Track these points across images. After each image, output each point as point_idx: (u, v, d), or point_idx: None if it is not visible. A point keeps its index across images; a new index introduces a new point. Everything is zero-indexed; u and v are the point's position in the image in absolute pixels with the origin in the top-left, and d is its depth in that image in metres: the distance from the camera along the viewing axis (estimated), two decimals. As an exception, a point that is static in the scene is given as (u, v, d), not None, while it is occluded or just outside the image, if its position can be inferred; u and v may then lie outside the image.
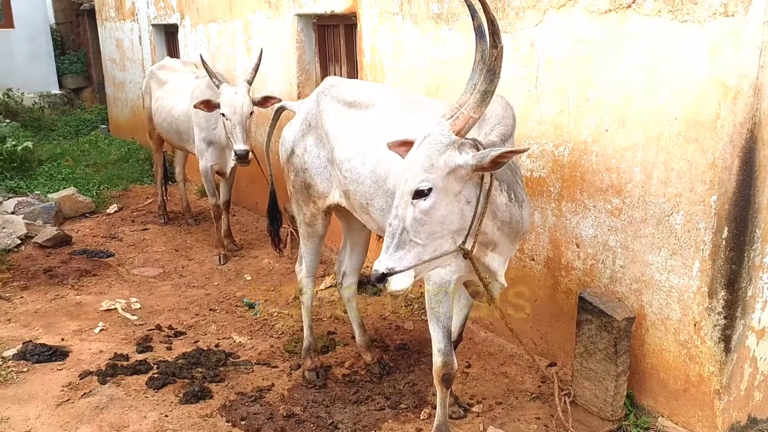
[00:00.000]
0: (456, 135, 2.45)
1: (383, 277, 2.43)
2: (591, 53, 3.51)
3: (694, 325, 3.25)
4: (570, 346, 3.84)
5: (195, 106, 5.67)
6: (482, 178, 2.55)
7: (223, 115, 5.55)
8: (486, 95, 2.43)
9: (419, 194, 2.43)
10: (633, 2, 3.24)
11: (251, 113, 5.61)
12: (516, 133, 3.44)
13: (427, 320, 3.24)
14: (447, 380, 3.26)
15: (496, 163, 2.45)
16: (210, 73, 5.68)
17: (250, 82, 5.65)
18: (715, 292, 3.14)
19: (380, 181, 3.29)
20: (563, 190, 3.82)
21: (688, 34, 3.03)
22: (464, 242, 2.59)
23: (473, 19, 2.48)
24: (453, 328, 3.41)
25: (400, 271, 2.44)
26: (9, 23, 13.95)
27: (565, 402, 3.57)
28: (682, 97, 3.11)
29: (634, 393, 3.61)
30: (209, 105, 5.59)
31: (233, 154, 5.57)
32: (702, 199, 3.10)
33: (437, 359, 3.23)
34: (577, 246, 3.81)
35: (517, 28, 3.88)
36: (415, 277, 2.50)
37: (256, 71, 5.71)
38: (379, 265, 2.44)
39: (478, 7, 2.42)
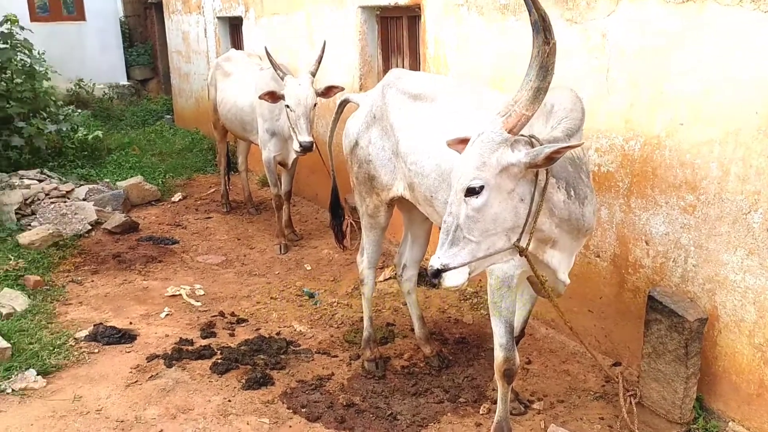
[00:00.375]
0: (508, 132, 2.41)
1: (438, 273, 2.44)
2: (666, 44, 3.39)
3: (771, 328, 3.12)
4: (636, 345, 3.75)
5: (260, 97, 5.74)
6: (537, 175, 2.50)
7: (288, 106, 5.60)
8: (539, 92, 2.37)
9: (471, 192, 2.41)
10: (714, -9, 3.11)
11: (315, 105, 5.65)
12: (585, 127, 3.37)
13: (487, 314, 3.21)
14: (509, 376, 3.23)
15: (550, 159, 2.39)
16: (274, 65, 5.75)
17: (313, 74, 5.69)
18: (795, 294, 3.01)
19: (444, 175, 3.26)
20: (633, 186, 3.72)
21: (773, 24, 2.90)
22: (519, 239, 2.55)
23: (530, 14, 2.42)
24: (516, 323, 3.36)
25: (454, 268, 2.44)
26: (81, 16, 14.44)
27: (630, 403, 3.49)
28: (764, 91, 2.97)
29: (704, 396, 3.49)
30: (274, 96, 5.66)
31: (297, 145, 5.62)
32: (783, 197, 2.97)
33: (499, 354, 3.19)
34: (647, 243, 3.70)
35: (588, 18, 3.79)
36: (470, 274, 2.48)
37: (319, 63, 5.75)
38: (435, 261, 2.44)
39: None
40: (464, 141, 2.63)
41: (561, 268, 2.91)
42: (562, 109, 2.78)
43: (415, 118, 3.53)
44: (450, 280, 2.45)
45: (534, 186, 2.51)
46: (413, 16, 5.65)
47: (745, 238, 3.16)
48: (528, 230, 2.56)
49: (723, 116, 3.16)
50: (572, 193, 2.75)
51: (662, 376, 3.41)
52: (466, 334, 4.60)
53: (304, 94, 5.56)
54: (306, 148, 5.57)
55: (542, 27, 2.33)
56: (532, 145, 2.48)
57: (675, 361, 3.33)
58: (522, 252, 2.59)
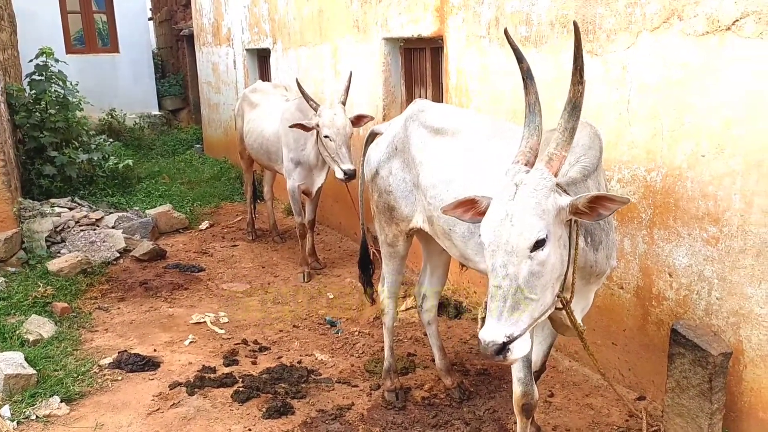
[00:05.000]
0: (554, 176, 2.34)
1: (504, 347, 2.21)
2: (687, 77, 3.39)
3: (799, 363, 3.05)
4: (660, 379, 3.68)
5: (290, 127, 5.84)
6: (572, 220, 2.44)
7: (327, 137, 5.67)
8: (573, 132, 2.35)
9: (538, 245, 2.25)
10: (733, 24, 3.11)
11: (352, 133, 5.74)
12: (606, 158, 3.36)
13: (509, 346, 3.18)
14: (527, 410, 3.19)
15: (592, 205, 2.31)
16: (306, 97, 5.84)
17: (343, 103, 5.78)
18: (823, 329, 2.94)
19: None
20: (655, 217, 3.69)
21: (794, 56, 2.89)
22: (562, 290, 2.45)
23: (521, 64, 2.42)
24: (535, 357, 3.33)
25: (520, 336, 2.24)
26: (115, 48, 14.90)
27: (654, 438, 3.42)
28: (787, 122, 2.95)
29: (730, 433, 3.42)
30: (304, 127, 5.75)
31: (341, 173, 5.66)
32: (808, 230, 2.92)
33: (517, 389, 3.16)
34: (670, 275, 3.66)
35: (609, 51, 3.80)
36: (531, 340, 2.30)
37: (347, 92, 5.84)
38: (494, 335, 2.21)
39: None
40: (464, 204, 2.55)
41: (576, 312, 2.87)
42: (580, 146, 2.75)
43: (436, 152, 3.55)
44: (519, 350, 2.25)
45: (569, 230, 2.44)
46: (436, 47, 5.72)
47: (770, 271, 3.11)
48: (568, 279, 2.48)
49: (745, 148, 3.14)
50: (589, 239, 2.72)
51: (686, 411, 3.34)
52: (488, 366, 4.56)
53: (341, 123, 5.64)
54: (350, 176, 5.62)
55: (578, 67, 2.31)
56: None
57: (699, 396, 3.26)
58: (566, 304, 2.50)
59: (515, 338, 2.22)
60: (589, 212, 2.33)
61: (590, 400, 4.08)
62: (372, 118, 5.86)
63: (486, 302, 2.38)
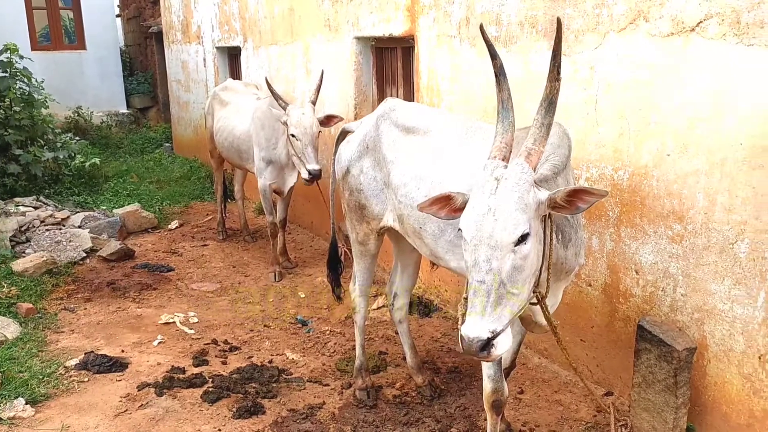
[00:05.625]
0: (533, 171, 2.36)
1: (488, 343, 2.20)
2: (653, 77, 3.45)
3: (759, 357, 3.13)
4: (627, 375, 3.74)
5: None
6: (547, 215, 2.46)
7: (293, 135, 5.64)
8: (549, 127, 2.38)
9: (522, 239, 2.26)
10: (697, 26, 3.18)
11: (319, 133, 5.71)
12: (574, 157, 3.40)
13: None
14: (497, 407, 3.22)
15: (570, 199, 2.34)
16: (275, 96, 5.81)
17: (313, 103, 5.75)
18: (783, 324, 3.02)
19: None
20: (622, 215, 3.75)
21: (755, 58, 2.96)
22: (537, 285, 2.48)
23: (494, 60, 2.43)
24: (505, 355, 3.35)
25: (502, 331, 2.24)
26: (81, 45, 14.65)
27: (621, 433, 3.48)
28: (748, 123, 3.02)
29: (695, 426, 3.48)
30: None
31: (306, 173, 5.63)
32: (769, 228, 3.00)
33: (487, 386, 3.19)
34: (636, 273, 3.72)
35: (577, 51, 3.85)
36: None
37: (318, 92, 5.81)
38: (478, 330, 2.20)
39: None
40: (439, 201, 2.54)
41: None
42: (550, 144, 2.76)
43: (407, 151, 3.55)
44: (502, 346, 2.25)
45: (544, 225, 2.46)
46: (407, 47, 5.73)
47: (732, 267, 3.18)
48: (544, 275, 2.50)
49: (708, 147, 3.21)
50: (560, 236, 2.75)
51: (652, 405, 3.40)
52: (459, 363, 4.59)
53: (308, 122, 5.60)
54: (315, 176, 5.59)
55: (556, 64, 2.33)
56: None
57: (665, 390, 3.33)
58: (541, 299, 2.52)
59: (498, 333, 2.22)
60: (567, 206, 2.35)
61: (559, 397, 4.13)
62: (342, 119, 5.85)
63: (465, 299, 2.39)
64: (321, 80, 5.85)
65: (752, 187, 3.04)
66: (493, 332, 2.21)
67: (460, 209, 2.44)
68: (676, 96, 3.34)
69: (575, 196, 2.34)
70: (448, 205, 2.54)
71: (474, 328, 2.21)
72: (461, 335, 2.25)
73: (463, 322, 2.31)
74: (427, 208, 2.59)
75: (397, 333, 4.58)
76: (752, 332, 3.14)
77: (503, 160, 2.39)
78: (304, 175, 5.67)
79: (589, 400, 4.03)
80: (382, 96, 6.31)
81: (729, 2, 3.03)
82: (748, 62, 2.99)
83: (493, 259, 2.25)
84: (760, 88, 2.95)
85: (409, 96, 5.80)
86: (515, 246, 2.25)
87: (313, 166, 5.58)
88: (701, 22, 3.16)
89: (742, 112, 3.04)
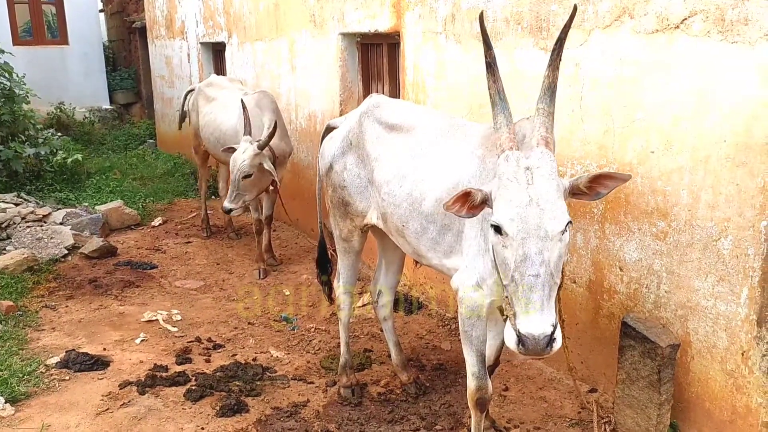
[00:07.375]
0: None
1: (551, 338, 2.17)
2: (638, 74, 3.45)
3: (742, 354, 3.14)
4: (612, 372, 3.75)
5: (222, 151, 5.98)
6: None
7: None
8: (552, 116, 2.41)
9: (566, 227, 2.26)
10: (681, 23, 3.18)
11: (248, 176, 5.69)
12: (559, 153, 3.41)
13: (463, 341, 3.20)
14: (481, 404, 3.21)
15: (592, 185, 2.37)
16: (247, 125, 5.82)
17: (261, 147, 5.70)
18: (764, 320, 3.03)
19: (416, 204, 3.27)
20: (606, 212, 3.75)
21: (738, 55, 2.97)
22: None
23: (489, 50, 2.48)
24: (489, 352, 3.36)
25: (557, 324, 2.21)
26: (64, 40, 14.49)
27: (605, 429, 3.49)
28: (732, 120, 3.03)
29: (678, 423, 3.49)
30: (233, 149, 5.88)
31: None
32: (751, 224, 3.01)
33: (471, 383, 3.18)
34: (621, 269, 3.73)
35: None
36: None
37: (270, 137, 5.73)
38: (544, 327, 2.15)
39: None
40: (461, 199, 2.47)
41: None
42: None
43: (390, 148, 3.53)
44: (559, 337, 2.22)
45: None
46: (393, 43, 5.71)
47: (716, 264, 3.19)
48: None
49: (692, 145, 3.22)
50: None
51: (636, 402, 3.41)
52: (444, 361, 4.58)
53: (240, 160, 5.65)
54: (225, 212, 5.87)
55: (560, 54, 2.36)
56: None
57: (648, 387, 3.33)
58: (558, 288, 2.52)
59: (556, 325, 2.20)
60: (588, 192, 2.35)
61: (544, 393, 4.14)
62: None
63: (508, 299, 2.33)
64: (274, 129, 5.76)
65: (735, 184, 3.05)
66: (553, 325, 2.18)
67: (479, 206, 2.42)
68: (661, 93, 3.35)
69: (597, 181, 2.34)
70: (467, 202, 2.48)
71: (540, 324, 2.16)
72: (524, 335, 2.19)
73: (514, 322, 2.25)
74: (450, 207, 2.50)
75: (382, 330, 4.56)
76: (735, 329, 3.15)
77: (517, 149, 2.39)
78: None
79: (573, 397, 4.04)
80: (367, 92, 6.28)
81: (713, 0, 3.04)
82: (732, 59, 2.99)
83: (545, 251, 2.21)
84: (744, 86, 2.96)
85: (395, 92, 5.78)
86: (563, 234, 2.24)
87: (225, 204, 5.83)
88: (686, 19, 3.17)
89: (726, 109, 3.05)
